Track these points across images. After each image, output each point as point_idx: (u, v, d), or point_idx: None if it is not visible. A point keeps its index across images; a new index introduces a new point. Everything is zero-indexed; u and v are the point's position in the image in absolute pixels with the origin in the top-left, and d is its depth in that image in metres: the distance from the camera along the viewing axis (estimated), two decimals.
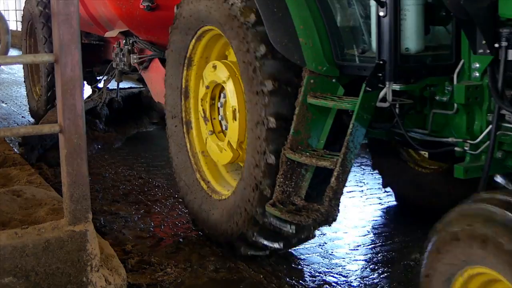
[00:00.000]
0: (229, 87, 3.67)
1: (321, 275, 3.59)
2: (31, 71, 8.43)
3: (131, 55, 6.09)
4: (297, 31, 3.24)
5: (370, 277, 3.58)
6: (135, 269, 3.59)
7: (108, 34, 6.47)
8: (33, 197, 3.52)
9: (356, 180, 5.43)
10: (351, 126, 2.95)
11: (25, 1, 8.21)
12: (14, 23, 24.09)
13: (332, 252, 3.91)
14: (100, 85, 7.82)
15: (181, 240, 4.10)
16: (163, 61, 5.21)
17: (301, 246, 3.94)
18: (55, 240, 2.76)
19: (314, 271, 3.64)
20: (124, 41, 6.17)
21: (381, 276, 3.59)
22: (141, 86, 8.42)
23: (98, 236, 3.07)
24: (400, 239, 4.14)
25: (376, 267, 3.70)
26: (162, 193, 5.15)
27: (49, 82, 7.25)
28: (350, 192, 5.11)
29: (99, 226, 4.26)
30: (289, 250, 3.88)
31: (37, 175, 4.14)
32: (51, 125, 2.77)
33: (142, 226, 4.39)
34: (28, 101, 8.48)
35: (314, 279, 3.54)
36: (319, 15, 3.27)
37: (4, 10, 26.29)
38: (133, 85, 8.91)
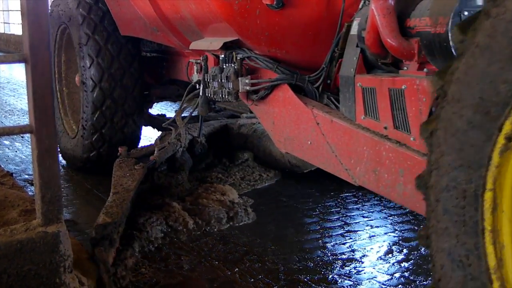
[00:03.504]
0: None
1: (296, 274, 3.61)
2: (61, 94, 6.24)
3: (239, 78, 3.84)
4: None
5: (349, 275, 3.61)
6: None
7: (202, 46, 4.20)
8: (5, 198, 3.49)
9: None
10: None
11: (54, 1, 5.97)
12: (17, 26, 23.17)
13: (309, 251, 3.94)
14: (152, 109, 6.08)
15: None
16: (295, 89, 3.64)
17: (277, 245, 3.96)
18: (28, 241, 2.74)
19: (289, 270, 3.66)
20: (225, 56, 3.95)
21: (360, 274, 3.62)
22: (220, 116, 6.26)
23: (71, 237, 3.06)
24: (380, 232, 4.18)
25: (358, 266, 3.73)
26: None
27: (97, 119, 5.37)
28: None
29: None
30: (265, 249, 3.90)
31: (9, 177, 4.11)
32: (22, 126, 2.75)
33: None
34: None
35: (289, 277, 3.56)
36: None
37: (4, 11, 25.60)
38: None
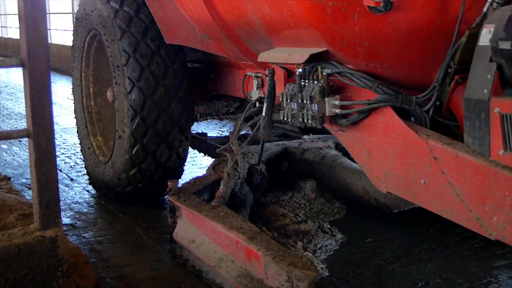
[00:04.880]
0: None
1: None
2: (88, 111, 5.48)
3: (325, 98, 3.08)
4: None
5: (338, 276, 3.60)
6: None
7: (276, 58, 3.45)
8: (3, 203, 3.48)
9: None
10: None
11: (82, 2, 5.21)
12: (14, 30, 23.10)
13: None
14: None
15: None
16: (400, 113, 2.95)
17: None
18: (25, 245, 2.73)
19: None
20: (305, 71, 3.17)
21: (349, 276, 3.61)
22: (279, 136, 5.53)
23: (69, 241, 3.06)
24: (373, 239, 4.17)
25: (345, 268, 3.72)
26: None
27: (137, 151, 4.63)
28: None
29: None
30: None
31: (7, 181, 4.10)
32: (20, 130, 2.75)
33: None
34: (84, 158, 5.55)
35: None
36: None
37: (2, 15, 25.51)
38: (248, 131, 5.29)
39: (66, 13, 18.17)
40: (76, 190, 5.61)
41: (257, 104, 3.99)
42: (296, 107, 3.23)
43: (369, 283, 3.53)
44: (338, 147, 4.96)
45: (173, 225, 3.87)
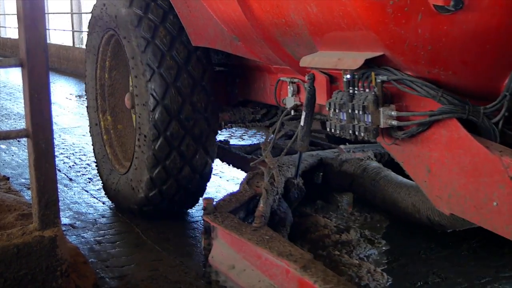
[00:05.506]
0: None
1: None
2: (103, 118, 5.17)
3: (380, 109, 2.76)
4: None
5: None
6: None
7: (323, 63, 3.07)
8: (2, 202, 3.48)
9: None
10: None
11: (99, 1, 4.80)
12: (14, 30, 23.05)
13: None
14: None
15: None
16: (466, 125, 2.63)
17: None
18: (24, 245, 2.73)
19: None
20: (355, 77, 2.86)
21: None
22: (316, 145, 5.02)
23: (68, 241, 3.06)
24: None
25: None
26: None
27: (160, 148, 4.26)
28: None
29: None
30: None
31: (6, 181, 4.10)
32: (19, 130, 2.75)
33: None
34: (99, 173, 5.23)
35: None
36: None
37: (0, 15, 25.47)
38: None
39: (65, 13, 18.17)
40: (75, 190, 5.62)
41: (292, 112, 3.73)
42: (345, 118, 2.88)
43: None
44: (377, 157, 4.55)
45: (207, 247, 3.46)
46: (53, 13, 19.45)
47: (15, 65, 2.68)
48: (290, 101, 3.72)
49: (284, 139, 3.70)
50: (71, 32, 17.19)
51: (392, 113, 2.74)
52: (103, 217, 4.87)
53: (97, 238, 4.39)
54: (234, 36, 3.70)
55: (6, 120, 9.21)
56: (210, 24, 3.92)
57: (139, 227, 4.56)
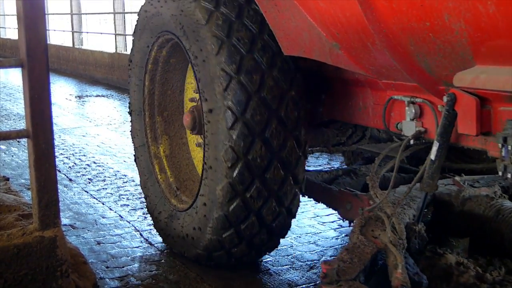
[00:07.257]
0: None
1: None
2: (151, 127, 4.25)
3: None
4: None
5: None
6: None
7: (494, 83, 2.28)
8: (2, 203, 3.48)
9: None
10: None
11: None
12: (12, 31, 23.02)
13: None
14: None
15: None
16: None
17: None
18: (24, 246, 2.73)
19: None
20: None
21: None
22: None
23: (68, 241, 3.06)
24: None
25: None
26: None
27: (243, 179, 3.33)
28: None
29: None
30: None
31: (6, 181, 4.10)
32: (19, 130, 2.75)
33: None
34: (144, 191, 4.38)
35: None
36: None
37: (0, 15, 25.45)
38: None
39: (64, 14, 18.16)
40: (75, 191, 5.61)
41: (412, 141, 2.99)
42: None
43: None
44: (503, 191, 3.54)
45: None
46: (53, 14, 19.44)
47: (15, 66, 2.68)
48: (409, 127, 2.98)
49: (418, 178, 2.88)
50: (71, 32, 17.19)
51: None
52: (103, 217, 4.87)
53: (97, 239, 4.39)
54: (335, 43, 2.95)
55: (6, 121, 9.20)
56: (304, 27, 3.11)
57: (139, 227, 4.57)
